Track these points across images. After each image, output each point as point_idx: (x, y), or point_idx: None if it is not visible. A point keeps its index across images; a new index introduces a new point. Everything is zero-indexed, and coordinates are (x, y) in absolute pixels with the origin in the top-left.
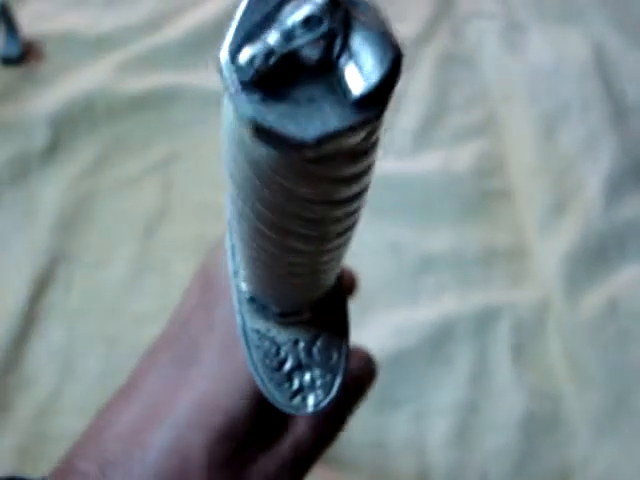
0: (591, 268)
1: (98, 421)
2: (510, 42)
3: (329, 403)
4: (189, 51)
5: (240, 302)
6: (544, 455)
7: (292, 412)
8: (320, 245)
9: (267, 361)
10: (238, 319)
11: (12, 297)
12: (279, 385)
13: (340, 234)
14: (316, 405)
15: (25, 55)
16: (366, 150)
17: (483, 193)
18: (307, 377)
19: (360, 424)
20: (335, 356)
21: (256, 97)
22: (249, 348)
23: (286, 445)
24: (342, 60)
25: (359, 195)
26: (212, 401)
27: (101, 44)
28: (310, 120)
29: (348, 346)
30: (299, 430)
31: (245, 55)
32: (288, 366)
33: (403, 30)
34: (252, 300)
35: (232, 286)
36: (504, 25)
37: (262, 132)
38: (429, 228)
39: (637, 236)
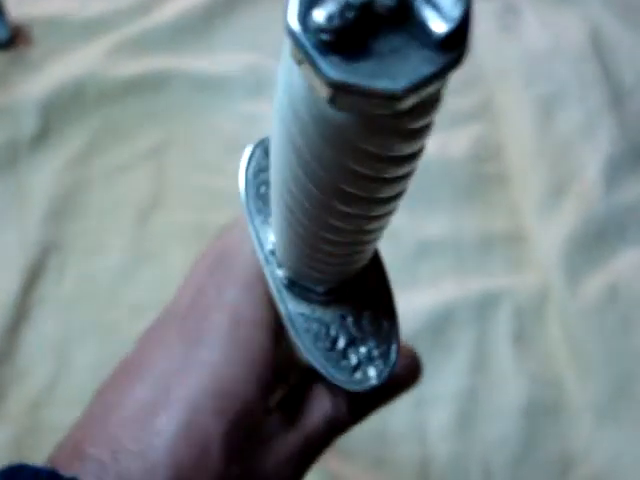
0: (591, 253)
1: (102, 402)
2: (505, 24)
3: (391, 371)
4: (180, 34)
5: (279, 290)
6: (546, 442)
7: (357, 388)
8: (369, 209)
9: (319, 343)
10: (281, 307)
11: (3, 287)
12: (337, 364)
13: (390, 199)
14: (379, 376)
15: (13, 39)
16: (439, 98)
17: (480, 178)
18: (363, 350)
19: None
20: (385, 324)
21: (338, 58)
22: (299, 334)
23: (296, 434)
24: (418, 4)
25: (418, 153)
26: (228, 387)
27: (91, 27)
28: (399, 70)
29: (396, 311)
30: (313, 420)
31: (320, 16)
32: (341, 343)
33: None
34: (292, 284)
35: (266, 274)
36: (499, 8)
37: (349, 93)
38: (426, 214)
39: (637, 220)
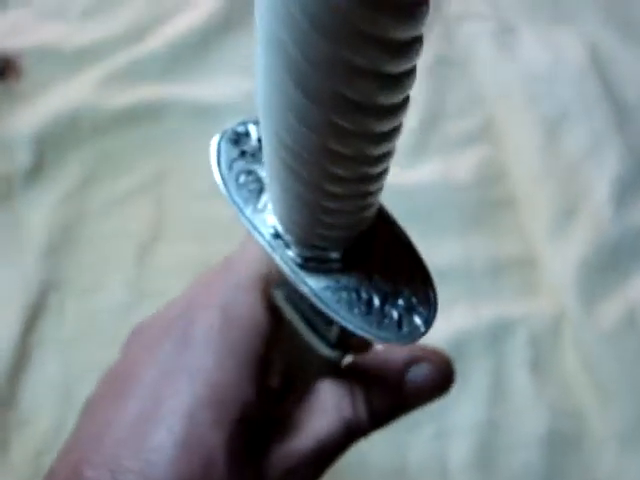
0: (606, 277)
1: (94, 420)
2: (503, 44)
3: (435, 314)
4: (175, 61)
5: (295, 272)
6: (570, 473)
7: (409, 341)
8: (365, 147)
9: (355, 310)
10: (304, 289)
11: (3, 329)
12: (380, 324)
13: (384, 136)
14: (427, 322)
15: (3, 71)
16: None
17: (487, 202)
18: (401, 302)
19: (378, 447)
20: (415, 270)
21: None
22: (331, 308)
23: (307, 439)
24: None
25: (412, 73)
26: (223, 395)
27: (82, 56)
28: None
29: (420, 255)
30: (322, 423)
31: None
32: (377, 302)
33: None
34: (306, 261)
35: (277, 261)
36: (495, 27)
37: None
38: (434, 240)
39: None
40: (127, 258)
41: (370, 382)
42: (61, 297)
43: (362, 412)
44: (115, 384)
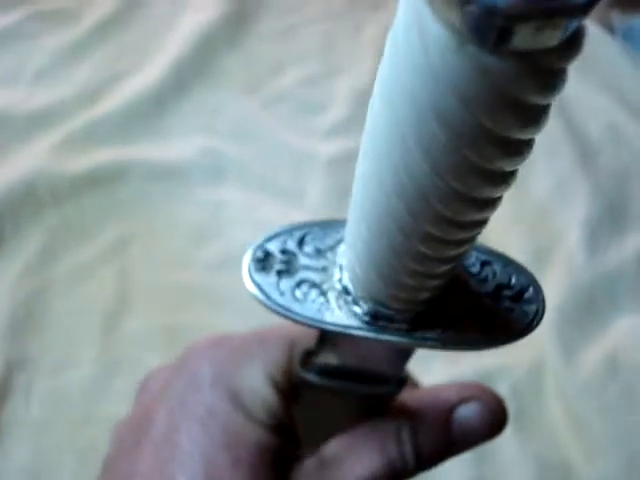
0: (583, 322)
1: (114, 477)
2: None
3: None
4: (131, 122)
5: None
6: None
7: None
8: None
9: None
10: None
11: None
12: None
13: (482, 206)
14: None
15: None
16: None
17: None
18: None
19: None
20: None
21: None
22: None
23: (347, 477)
24: None
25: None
26: (237, 435)
27: (36, 122)
28: None
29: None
30: (365, 462)
31: None
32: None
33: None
34: (376, 319)
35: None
36: None
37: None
38: None
39: (625, 285)
40: (94, 331)
41: (417, 422)
42: (28, 377)
43: (408, 453)
44: (130, 436)
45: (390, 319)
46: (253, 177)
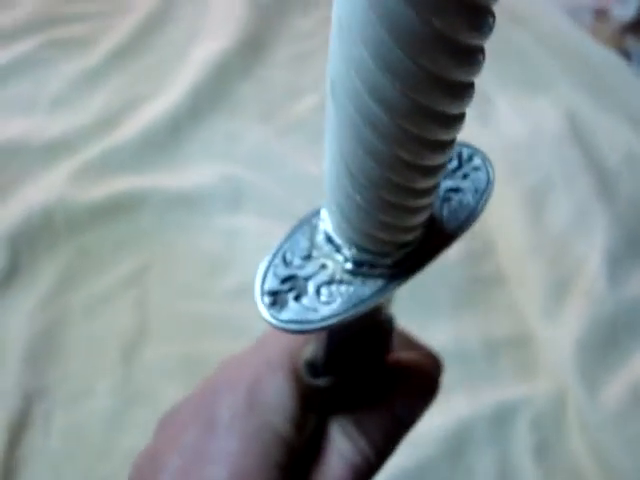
0: (605, 354)
1: None
2: (479, 114)
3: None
4: (148, 150)
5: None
6: None
7: None
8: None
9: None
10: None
11: None
12: None
13: (437, 146)
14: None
15: None
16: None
17: (477, 278)
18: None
19: None
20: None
21: None
22: None
23: None
24: None
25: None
26: (249, 478)
27: (52, 150)
28: None
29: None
30: (333, 471)
31: None
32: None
33: None
34: (359, 265)
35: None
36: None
37: None
38: (426, 322)
39: None
40: (112, 361)
41: (363, 416)
42: (46, 407)
43: (369, 451)
44: (145, 473)
45: (372, 265)
46: (270, 205)
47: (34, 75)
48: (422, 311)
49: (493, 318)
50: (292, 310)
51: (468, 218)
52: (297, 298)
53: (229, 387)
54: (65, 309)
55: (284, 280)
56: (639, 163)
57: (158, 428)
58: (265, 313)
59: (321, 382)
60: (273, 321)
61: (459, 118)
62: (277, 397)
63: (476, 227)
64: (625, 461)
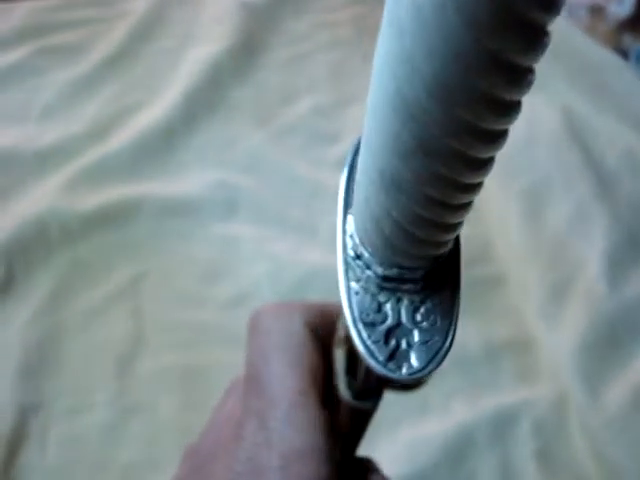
0: (606, 357)
1: None
2: None
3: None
4: (141, 158)
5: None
6: None
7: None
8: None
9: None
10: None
11: None
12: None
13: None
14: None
15: None
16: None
17: (475, 281)
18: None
19: None
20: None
21: None
22: None
23: None
24: None
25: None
26: None
27: (45, 160)
28: None
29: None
30: None
31: None
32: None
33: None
34: (387, 280)
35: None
36: None
37: None
38: None
39: None
40: (108, 373)
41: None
42: (42, 422)
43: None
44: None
45: (401, 279)
46: (266, 211)
47: (26, 83)
48: None
49: (493, 321)
50: (415, 356)
51: None
52: (409, 345)
53: (263, 444)
54: (60, 321)
55: (387, 337)
56: (638, 162)
57: (180, 466)
58: (401, 376)
59: (367, 405)
60: (411, 378)
61: (503, 135)
62: (307, 440)
63: (474, 229)
64: (628, 464)
